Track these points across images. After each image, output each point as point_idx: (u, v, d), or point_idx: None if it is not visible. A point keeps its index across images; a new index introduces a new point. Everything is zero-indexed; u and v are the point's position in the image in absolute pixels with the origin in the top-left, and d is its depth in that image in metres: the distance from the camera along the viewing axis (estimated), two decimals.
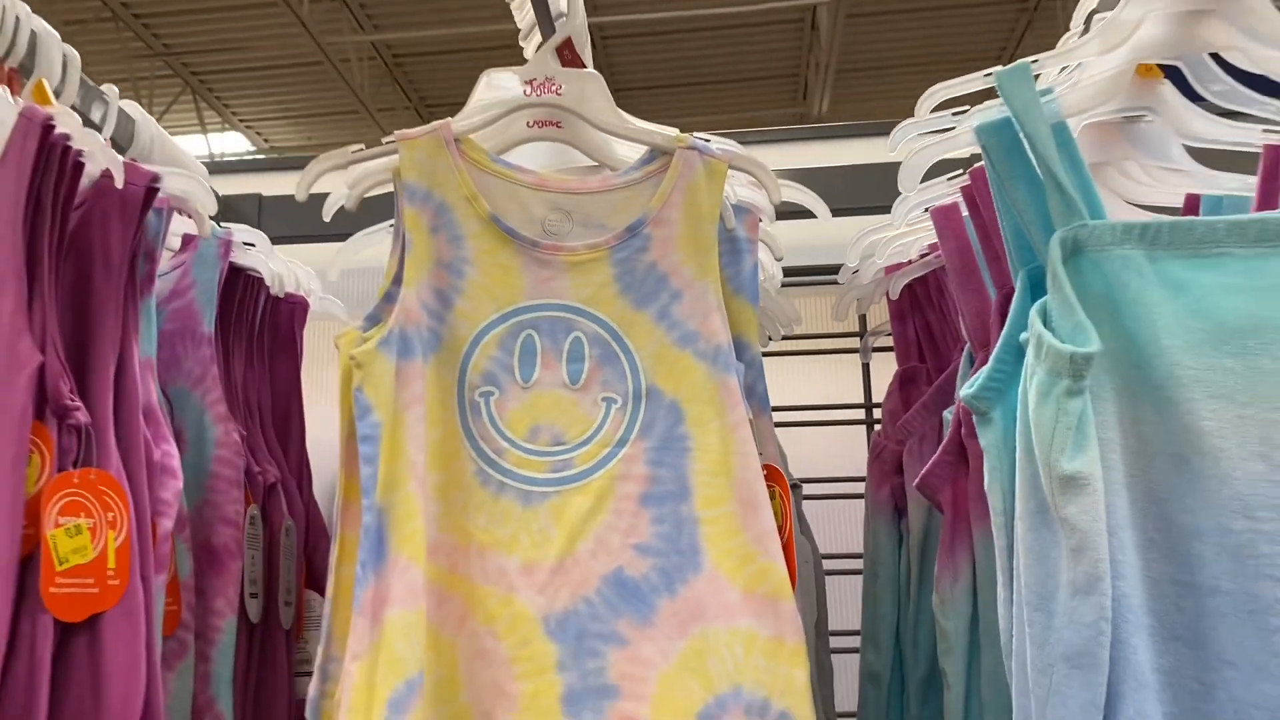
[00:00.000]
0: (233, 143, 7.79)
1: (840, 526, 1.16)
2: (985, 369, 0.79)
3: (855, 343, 1.31)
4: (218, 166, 1.51)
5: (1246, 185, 0.92)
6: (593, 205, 0.90)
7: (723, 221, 0.91)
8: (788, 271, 1.28)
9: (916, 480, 0.95)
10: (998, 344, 0.79)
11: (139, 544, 0.75)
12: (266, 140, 7.93)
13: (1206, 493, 0.69)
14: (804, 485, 1.28)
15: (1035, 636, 0.70)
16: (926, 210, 0.96)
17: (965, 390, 0.80)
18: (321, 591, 0.99)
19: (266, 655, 1.08)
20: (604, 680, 0.82)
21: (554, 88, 0.90)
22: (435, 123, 0.89)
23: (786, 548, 0.79)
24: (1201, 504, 0.69)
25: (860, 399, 1.38)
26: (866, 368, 1.37)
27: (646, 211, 0.86)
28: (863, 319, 1.30)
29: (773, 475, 0.81)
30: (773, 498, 0.79)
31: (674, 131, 0.88)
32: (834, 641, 1.18)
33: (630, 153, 0.90)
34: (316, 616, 1.14)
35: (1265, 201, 0.90)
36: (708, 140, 0.86)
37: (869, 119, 1.91)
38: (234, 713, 0.99)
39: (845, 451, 1.15)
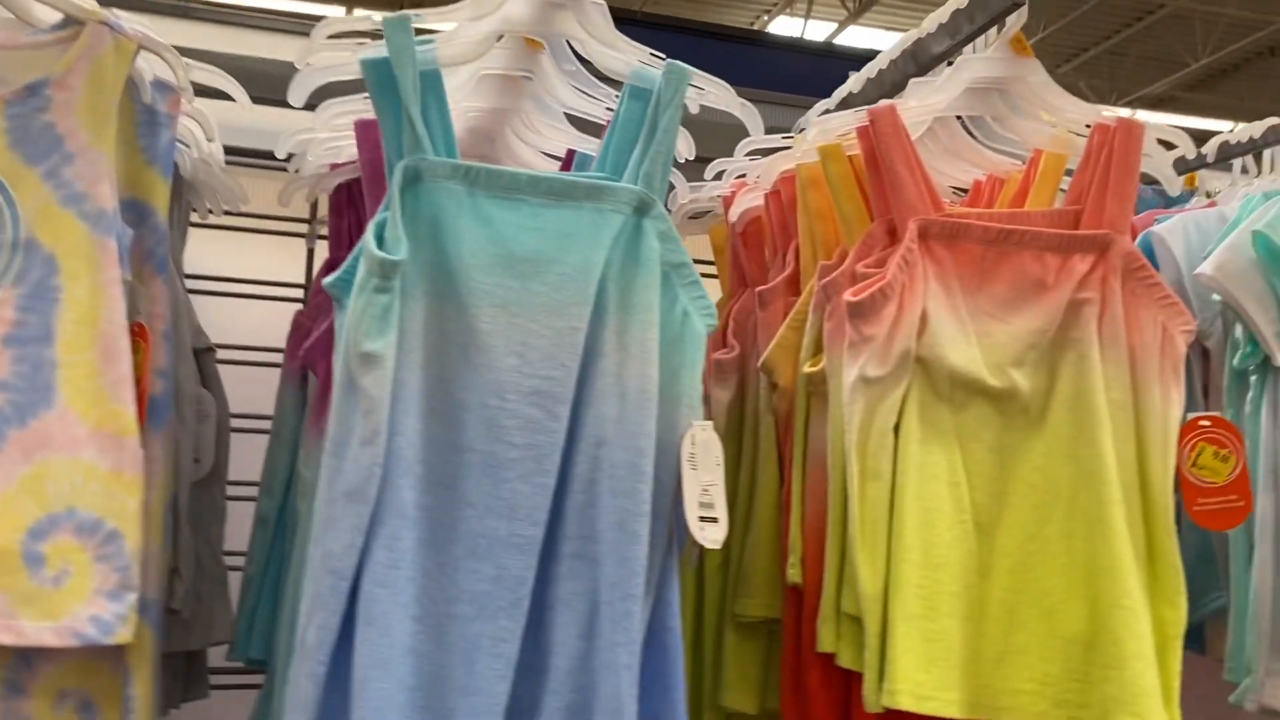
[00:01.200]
0: None
1: (262, 389, 1.29)
2: (343, 265, 0.95)
3: (305, 228, 1.44)
4: None
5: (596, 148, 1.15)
6: None
7: (140, 96, 0.99)
8: (242, 152, 1.37)
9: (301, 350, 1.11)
10: (356, 246, 0.96)
11: None
12: None
13: (477, 377, 0.91)
14: (239, 351, 1.40)
15: (328, 477, 0.89)
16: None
17: (326, 280, 0.97)
18: None
19: None
20: None
21: None
22: None
23: (141, 396, 0.91)
24: (473, 385, 0.91)
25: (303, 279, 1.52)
26: (311, 253, 1.51)
27: (50, 74, 0.92)
28: (314, 206, 1.43)
29: (140, 332, 0.93)
30: (136, 352, 0.91)
31: (94, 4, 0.94)
32: (240, 490, 1.33)
33: (47, 15, 0.94)
34: None
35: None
36: (120, 19, 0.93)
37: None
38: None
39: (283, 325, 1.28)
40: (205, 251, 1.38)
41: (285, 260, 1.53)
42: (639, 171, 0.96)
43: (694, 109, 1.05)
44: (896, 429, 1.03)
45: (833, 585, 1.05)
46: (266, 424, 1.27)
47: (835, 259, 1.15)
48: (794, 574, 1.10)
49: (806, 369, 1.12)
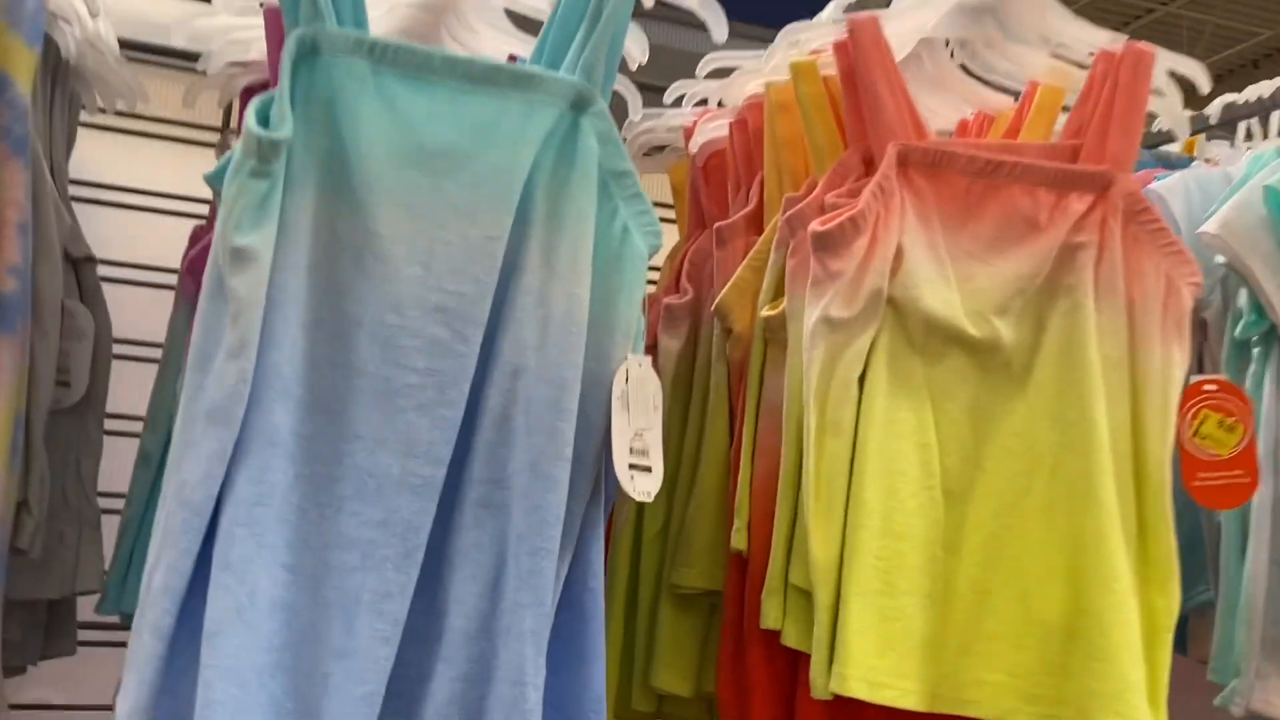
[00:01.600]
0: None
1: (161, 316, 1.15)
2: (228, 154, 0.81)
3: (216, 137, 1.30)
4: None
5: None
6: None
7: None
8: (146, 49, 1.22)
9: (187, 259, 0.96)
10: None
11: None
12: None
13: (373, 288, 0.77)
14: (132, 270, 1.25)
15: (189, 394, 0.75)
16: (262, 5, 0.96)
17: (207, 173, 0.83)
18: None
19: None
20: None
21: None
22: None
23: None
24: (368, 297, 0.77)
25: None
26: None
27: None
28: (226, 112, 1.29)
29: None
30: None
31: None
32: (121, 425, 1.18)
33: None
34: None
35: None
36: None
37: None
38: None
39: (183, 240, 1.14)
40: (99, 157, 1.23)
41: (193, 173, 1.38)
42: (578, 61, 0.83)
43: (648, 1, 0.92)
44: (862, 380, 0.90)
45: (781, 554, 0.92)
46: (152, 351, 1.12)
47: (803, 191, 1.02)
48: (738, 540, 0.97)
49: (765, 312, 0.99)
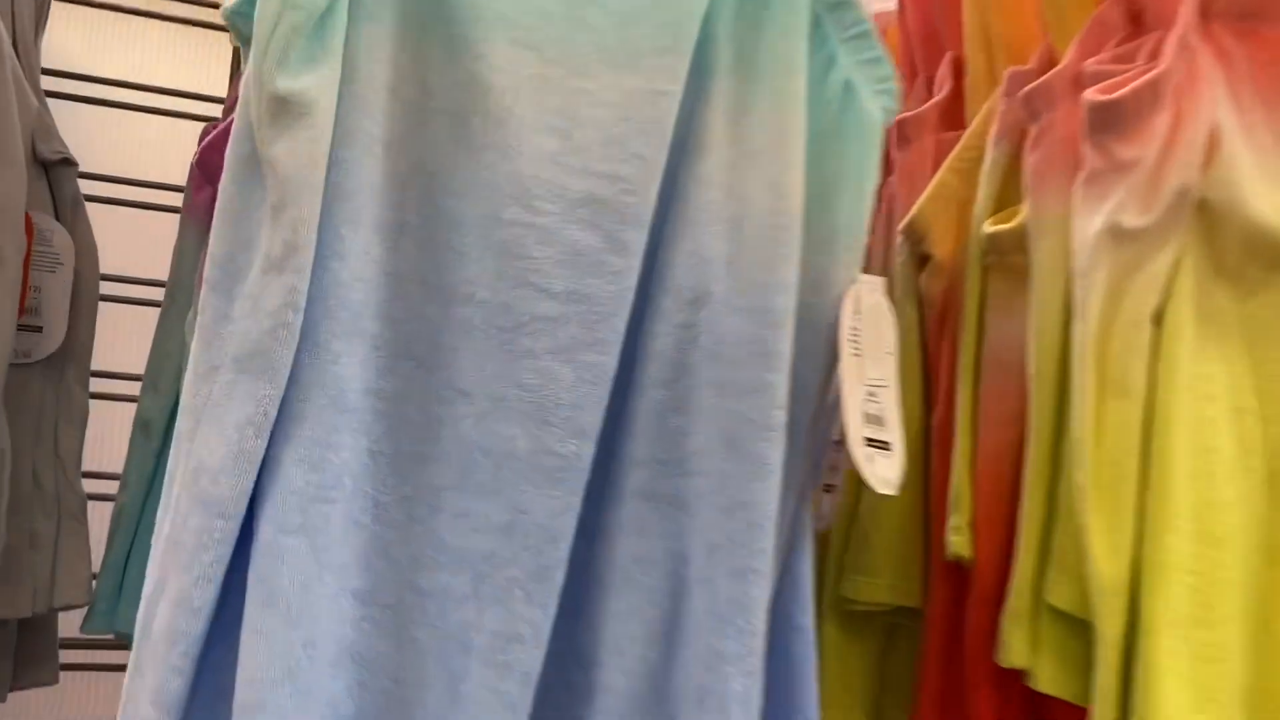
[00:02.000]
0: None
1: (163, 248, 0.89)
2: None
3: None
4: None
5: None
6: None
7: None
8: None
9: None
10: None
11: None
12: None
13: (484, 169, 0.50)
14: (113, 183, 0.98)
15: (207, 330, 0.48)
16: None
17: (225, 8, 0.56)
18: None
19: None
20: None
21: None
22: None
23: None
24: (475, 182, 0.50)
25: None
26: (238, 51, 1.08)
27: None
28: None
29: None
30: None
31: None
32: (113, 385, 0.92)
33: None
34: None
35: None
36: None
37: None
38: None
39: (188, 150, 0.88)
40: (80, 42, 0.95)
41: (200, 62, 1.10)
42: None
43: None
44: (1158, 319, 0.63)
45: (1030, 565, 0.66)
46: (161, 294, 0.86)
47: (1034, 62, 0.75)
48: (957, 543, 0.71)
49: (988, 228, 0.73)
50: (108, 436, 0.88)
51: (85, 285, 0.81)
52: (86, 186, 0.86)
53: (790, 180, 0.53)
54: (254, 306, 0.47)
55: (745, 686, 0.48)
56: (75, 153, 0.87)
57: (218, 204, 0.49)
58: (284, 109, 0.46)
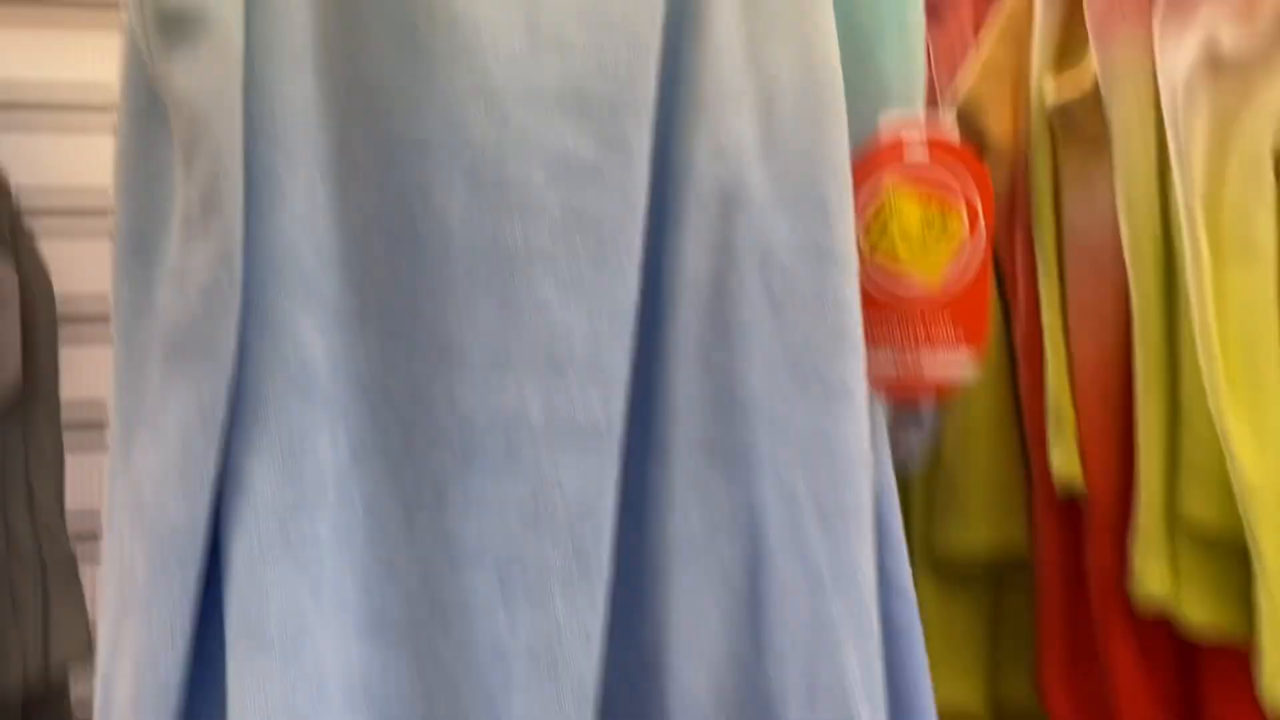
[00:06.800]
0: None
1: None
2: None
3: None
4: None
5: None
6: None
7: None
8: None
9: None
10: None
11: None
12: None
13: (439, 68, 0.40)
14: (63, 217, 0.90)
15: (124, 322, 0.39)
16: None
17: None
18: None
19: None
20: None
21: None
22: None
23: None
24: (432, 87, 0.40)
25: None
26: None
27: None
28: None
29: None
30: None
31: None
32: (93, 413, 0.83)
33: None
34: None
35: None
36: None
37: None
38: None
39: None
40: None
41: None
42: None
43: None
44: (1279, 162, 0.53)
45: (1156, 477, 0.56)
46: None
47: None
48: (1066, 466, 0.60)
49: (1052, 99, 0.62)
50: (94, 471, 0.79)
51: (40, 316, 0.72)
52: (57, 212, 0.77)
53: (822, 41, 0.43)
54: (179, 281, 0.37)
55: (865, 664, 0.38)
56: (35, 179, 0.78)
57: (114, 174, 0.40)
58: (177, 25, 0.37)
